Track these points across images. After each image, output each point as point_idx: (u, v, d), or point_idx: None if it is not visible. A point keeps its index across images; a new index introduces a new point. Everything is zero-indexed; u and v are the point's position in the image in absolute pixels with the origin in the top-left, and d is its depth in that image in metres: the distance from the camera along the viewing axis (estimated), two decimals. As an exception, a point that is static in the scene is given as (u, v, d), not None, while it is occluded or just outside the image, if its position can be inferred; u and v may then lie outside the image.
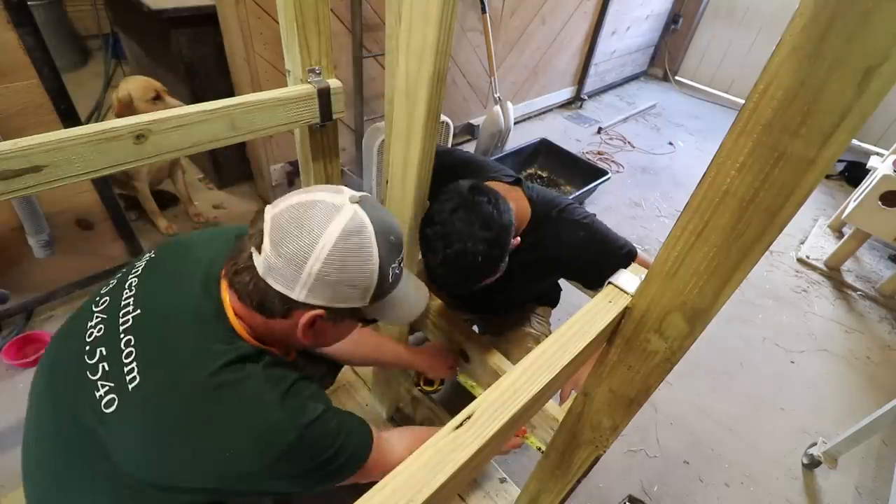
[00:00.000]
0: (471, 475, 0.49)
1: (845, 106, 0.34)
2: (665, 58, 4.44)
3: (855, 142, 3.56)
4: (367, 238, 0.56)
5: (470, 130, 3.04)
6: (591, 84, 3.81)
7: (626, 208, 2.74)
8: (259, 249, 0.56)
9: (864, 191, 2.23)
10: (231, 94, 1.89)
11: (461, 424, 0.46)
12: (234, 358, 0.57)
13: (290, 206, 0.57)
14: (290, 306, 0.57)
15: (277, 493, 0.61)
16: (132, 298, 0.62)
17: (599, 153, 3.21)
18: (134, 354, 0.57)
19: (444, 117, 2.48)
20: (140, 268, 0.66)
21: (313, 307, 0.57)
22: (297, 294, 0.55)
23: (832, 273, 2.44)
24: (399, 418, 1.36)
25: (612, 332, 0.63)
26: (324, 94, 1.00)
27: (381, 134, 2.06)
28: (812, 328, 2.13)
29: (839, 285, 2.41)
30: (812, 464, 1.56)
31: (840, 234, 2.69)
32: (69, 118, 1.35)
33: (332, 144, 1.15)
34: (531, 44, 3.02)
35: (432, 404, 1.41)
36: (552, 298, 1.39)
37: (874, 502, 1.52)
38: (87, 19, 3.24)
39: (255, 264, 0.56)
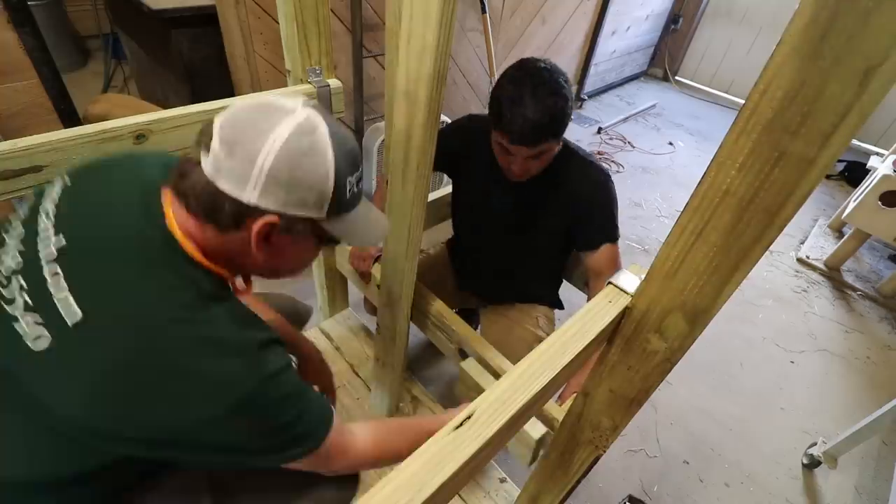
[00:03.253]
0: (471, 475, 0.49)
1: (845, 106, 0.34)
2: (665, 58, 4.44)
3: (855, 142, 3.57)
4: (321, 138, 0.53)
5: (470, 130, 3.04)
6: (591, 84, 3.81)
7: (626, 208, 2.73)
8: (208, 149, 0.52)
9: (864, 191, 2.23)
10: (231, 94, 1.90)
11: (461, 424, 0.46)
12: (194, 296, 0.53)
13: (242, 106, 0.54)
14: (241, 211, 0.53)
15: (228, 452, 0.55)
16: (52, 226, 0.55)
17: (599, 153, 3.20)
18: (68, 288, 0.51)
19: (444, 117, 2.47)
20: (56, 193, 0.59)
21: (266, 212, 0.53)
22: (249, 195, 0.52)
23: (832, 273, 2.44)
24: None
25: (612, 332, 0.63)
26: (324, 94, 1.00)
27: (381, 134, 2.06)
28: (812, 328, 2.13)
29: (839, 285, 2.41)
30: (812, 464, 1.56)
31: (840, 234, 2.69)
32: (69, 118, 1.35)
33: (332, 144, 1.15)
34: (531, 44, 3.02)
35: (432, 404, 1.41)
36: (559, 295, 1.38)
37: (874, 502, 1.52)
38: (87, 19, 3.24)
39: (203, 166, 0.52)
